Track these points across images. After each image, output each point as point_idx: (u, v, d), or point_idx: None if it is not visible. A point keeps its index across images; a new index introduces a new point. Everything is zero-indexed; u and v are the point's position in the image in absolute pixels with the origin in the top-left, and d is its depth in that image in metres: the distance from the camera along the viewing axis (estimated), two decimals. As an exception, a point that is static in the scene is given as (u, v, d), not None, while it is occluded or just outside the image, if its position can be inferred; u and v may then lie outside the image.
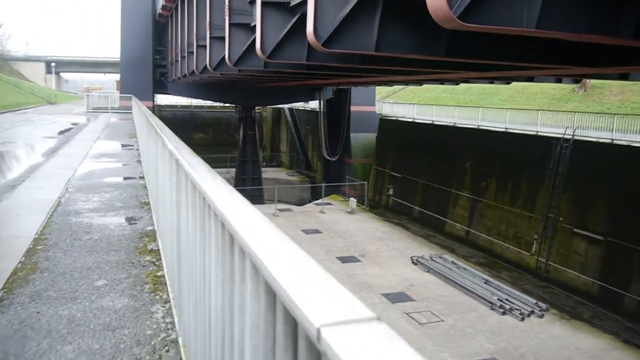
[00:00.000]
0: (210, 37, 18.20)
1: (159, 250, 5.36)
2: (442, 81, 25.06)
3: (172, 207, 3.82)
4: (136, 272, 4.83)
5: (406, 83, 31.51)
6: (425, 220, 29.54)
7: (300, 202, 41.30)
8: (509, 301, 18.69)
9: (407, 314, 17.70)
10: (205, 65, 19.64)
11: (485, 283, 20.54)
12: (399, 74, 17.33)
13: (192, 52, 22.49)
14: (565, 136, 21.37)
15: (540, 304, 18.60)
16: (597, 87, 33.59)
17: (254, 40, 13.28)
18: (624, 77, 14.68)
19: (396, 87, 47.87)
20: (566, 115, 23.16)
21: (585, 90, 34.13)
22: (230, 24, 15.07)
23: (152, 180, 6.59)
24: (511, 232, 23.68)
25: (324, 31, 9.41)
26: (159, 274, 4.78)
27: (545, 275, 21.41)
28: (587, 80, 30.37)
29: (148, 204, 7.51)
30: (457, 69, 13.52)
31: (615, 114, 21.41)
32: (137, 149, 13.46)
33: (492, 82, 23.25)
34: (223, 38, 16.43)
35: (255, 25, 13.71)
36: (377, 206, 34.61)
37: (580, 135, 21.18)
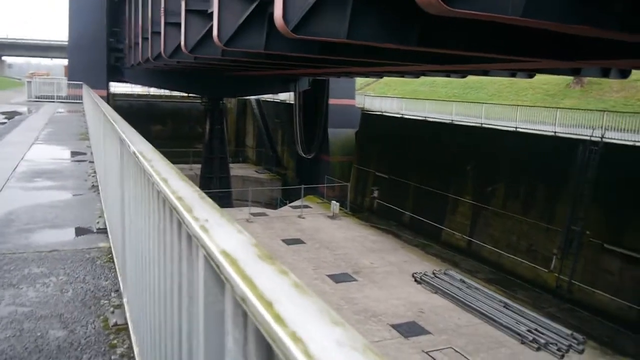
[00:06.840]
0: (165, 23, 17.63)
1: None
2: (402, 73, 24.43)
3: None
4: None
5: (366, 75, 31.01)
6: (418, 227, 26.59)
7: (272, 203, 37.85)
8: (540, 332, 15.94)
9: (427, 353, 14.62)
10: (160, 53, 18.82)
11: (505, 307, 17.77)
12: (360, 65, 17.02)
13: (147, 38, 21.34)
14: (593, 138, 18.74)
15: (576, 335, 15.90)
16: (595, 82, 31.42)
17: (211, 27, 12.57)
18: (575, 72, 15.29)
19: (368, 80, 44.73)
20: (587, 114, 20.53)
21: (582, 86, 31.91)
22: (186, 10, 14.80)
23: (128, 246, 2.79)
24: (524, 245, 20.98)
25: (294, 15, 8.74)
26: None
27: (569, 296, 18.79)
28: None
29: (125, 329, 3.05)
30: (424, 62, 13.16)
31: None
32: (91, 161, 9.00)
33: (448, 75, 23.37)
34: (178, 24, 15.90)
35: (212, 12, 13.02)
36: (359, 209, 31.48)
37: (610, 138, 18.60)
